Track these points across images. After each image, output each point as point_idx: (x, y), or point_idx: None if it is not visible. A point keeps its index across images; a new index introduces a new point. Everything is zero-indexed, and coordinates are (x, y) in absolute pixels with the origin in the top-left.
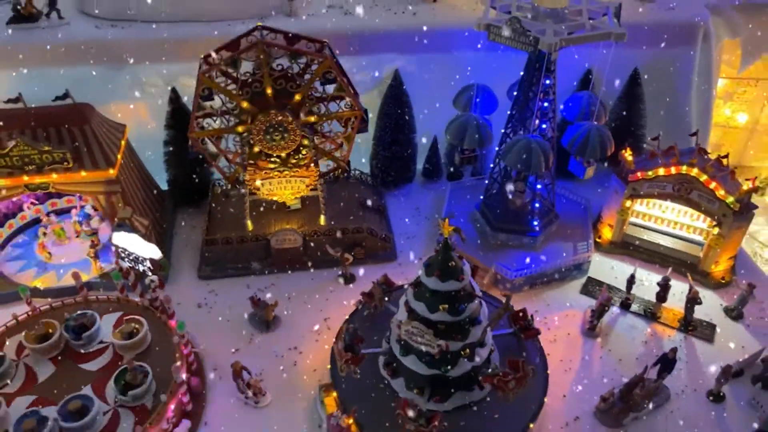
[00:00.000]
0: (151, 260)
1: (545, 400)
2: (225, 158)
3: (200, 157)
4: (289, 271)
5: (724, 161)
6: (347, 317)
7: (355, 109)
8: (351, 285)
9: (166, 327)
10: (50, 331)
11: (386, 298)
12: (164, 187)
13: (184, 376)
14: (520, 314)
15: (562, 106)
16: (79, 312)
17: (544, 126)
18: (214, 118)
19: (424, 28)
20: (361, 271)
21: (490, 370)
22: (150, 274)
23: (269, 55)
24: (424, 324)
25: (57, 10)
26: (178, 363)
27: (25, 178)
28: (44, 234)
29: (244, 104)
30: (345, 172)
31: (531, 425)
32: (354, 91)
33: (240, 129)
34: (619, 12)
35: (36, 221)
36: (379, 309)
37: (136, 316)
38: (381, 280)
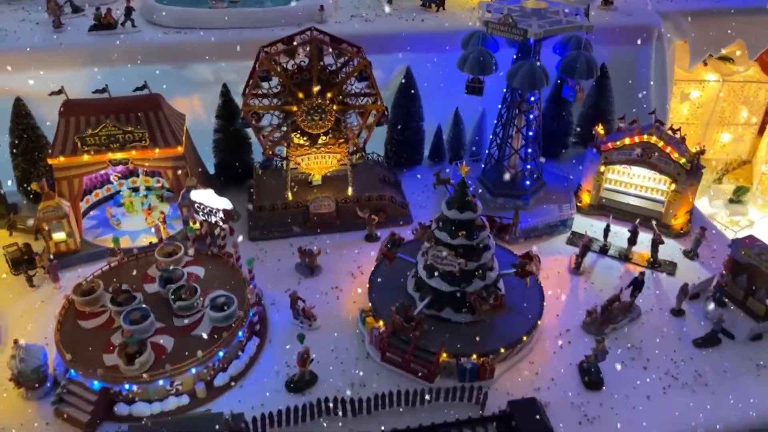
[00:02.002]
0: (224, 211)
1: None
2: (260, 135)
3: (245, 129)
4: (324, 233)
5: (677, 133)
6: (370, 278)
7: (379, 105)
8: (375, 243)
9: (235, 268)
10: (94, 288)
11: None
12: (210, 170)
13: (253, 298)
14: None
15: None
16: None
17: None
18: (262, 98)
19: (431, 31)
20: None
21: (518, 263)
22: (221, 223)
23: (320, 51)
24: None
25: (131, 20)
26: (250, 287)
27: (110, 154)
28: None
29: (293, 88)
30: (362, 157)
31: (538, 323)
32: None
33: (288, 107)
34: (588, 11)
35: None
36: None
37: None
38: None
